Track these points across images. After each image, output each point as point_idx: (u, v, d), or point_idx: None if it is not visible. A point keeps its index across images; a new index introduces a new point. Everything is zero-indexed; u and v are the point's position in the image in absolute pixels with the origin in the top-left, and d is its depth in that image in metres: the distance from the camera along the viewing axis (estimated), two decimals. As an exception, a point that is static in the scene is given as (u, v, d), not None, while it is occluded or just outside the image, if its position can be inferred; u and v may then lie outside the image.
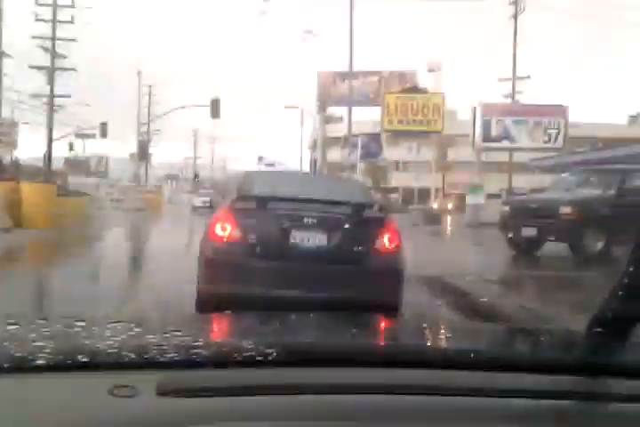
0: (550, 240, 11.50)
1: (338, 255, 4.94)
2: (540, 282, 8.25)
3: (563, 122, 27.86)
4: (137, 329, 1.22)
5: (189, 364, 1.00)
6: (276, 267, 4.84)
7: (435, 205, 28.04)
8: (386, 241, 5.04)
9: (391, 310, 4.56)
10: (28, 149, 48.20)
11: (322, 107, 41.36)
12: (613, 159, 19.68)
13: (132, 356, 1.00)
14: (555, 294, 7.07)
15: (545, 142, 27.57)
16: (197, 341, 1.10)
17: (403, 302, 5.02)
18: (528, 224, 11.26)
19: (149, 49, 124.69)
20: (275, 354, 1.01)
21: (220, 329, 1.56)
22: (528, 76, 31.59)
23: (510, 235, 11.73)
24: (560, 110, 28.27)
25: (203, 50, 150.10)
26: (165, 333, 1.13)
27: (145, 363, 1.00)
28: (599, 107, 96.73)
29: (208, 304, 4.66)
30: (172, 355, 1.01)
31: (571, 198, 11.27)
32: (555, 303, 6.27)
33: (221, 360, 1.02)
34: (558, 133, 27.64)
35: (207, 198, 35.01)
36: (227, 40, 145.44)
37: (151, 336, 1.11)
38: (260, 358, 1.01)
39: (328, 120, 41.98)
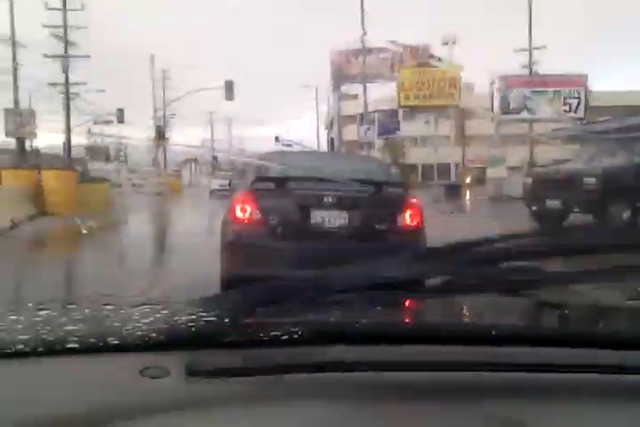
0: (575, 212, 11.36)
1: (359, 234, 4.91)
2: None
3: (582, 91, 27.31)
4: (164, 311, 1.21)
5: (218, 344, 1.00)
6: (297, 247, 4.83)
7: (454, 180, 27.70)
8: (407, 218, 5.01)
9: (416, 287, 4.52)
10: (48, 137, 48.62)
11: (336, 85, 40.94)
12: (637, 127, 19.27)
13: (162, 337, 1.00)
14: (583, 267, 7.02)
15: (565, 112, 27.07)
16: (225, 321, 1.10)
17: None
18: (552, 196, 11.13)
19: (163, 33, 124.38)
20: (302, 333, 1.01)
21: None
22: (544, 46, 30.95)
23: (534, 207, 11.60)
24: (579, 79, 27.69)
25: (216, 33, 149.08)
26: (192, 314, 1.12)
27: (174, 344, 1.00)
28: (619, 74, 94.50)
29: (231, 286, 4.67)
30: (200, 335, 1.01)
31: (595, 169, 11.08)
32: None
33: (250, 339, 1.01)
34: (579, 103, 27.12)
35: (225, 181, 30.94)
36: (239, 22, 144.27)
37: (179, 318, 1.10)
38: (286, 337, 1.00)
39: (343, 98, 41.58)
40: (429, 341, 1.02)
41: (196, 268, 6.66)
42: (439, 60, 32.21)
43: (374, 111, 31.27)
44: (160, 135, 34.43)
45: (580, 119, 26.98)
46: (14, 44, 28.98)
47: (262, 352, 1.00)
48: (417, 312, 1.48)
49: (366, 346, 1.02)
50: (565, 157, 14.39)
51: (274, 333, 1.01)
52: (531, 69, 30.09)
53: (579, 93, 27.27)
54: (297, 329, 1.01)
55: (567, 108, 27.16)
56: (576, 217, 11.46)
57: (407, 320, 1.34)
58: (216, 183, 33.50)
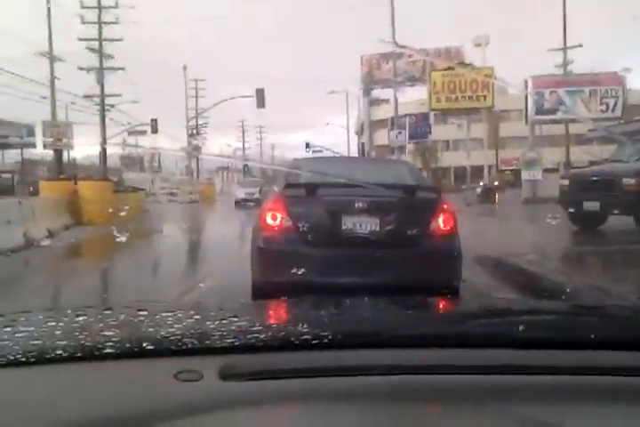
0: (614, 214, 11.03)
1: (391, 239, 4.83)
2: (606, 258, 7.92)
3: (620, 89, 26.61)
4: (197, 316, 1.27)
5: (250, 348, 1.03)
6: (328, 254, 4.79)
7: (486, 183, 27.24)
8: (440, 222, 4.92)
9: (450, 292, 4.40)
10: (84, 148, 49.64)
11: (366, 90, 40.92)
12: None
13: (195, 342, 1.03)
14: (624, 271, 6.80)
15: (602, 112, 26.42)
16: (255, 326, 1.13)
17: (461, 284, 4.89)
18: (590, 198, 10.82)
19: (193, 44, 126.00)
20: (331, 337, 1.03)
21: (277, 314, 1.60)
22: (580, 45, 30.37)
23: (571, 210, 11.30)
24: (616, 78, 26.98)
25: (246, 41, 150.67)
26: (224, 319, 1.16)
27: (207, 348, 1.03)
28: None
29: (263, 293, 4.66)
30: (232, 340, 1.04)
31: (634, 169, 10.75)
32: (624, 280, 6.03)
33: (280, 344, 1.04)
34: (616, 102, 26.43)
35: (254, 189, 26.90)
36: (267, 31, 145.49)
37: (211, 323, 1.14)
38: (316, 342, 1.02)
39: (373, 103, 41.52)
40: (447, 345, 1.04)
41: (228, 274, 6.71)
42: (470, 65, 31.89)
43: (405, 115, 31.01)
44: (192, 144, 34.84)
45: (618, 118, 26.31)
46: (52, 57, 29.71)
47: (293, 356, 1.03)
48: (434, 317, 1.50)
49: (389, 349, 1.03)
50: (602, 158, 14.02)
51: (304, 337, 1.03)
52: (565, 69, 29.52)
53: (616, 92, 26.59)
54: (326, 334, 1.03)
55: (604, 107, 26.49)
56: (615, 219, 11.14)
57: (430, 325, 1.33)
58: (242, 192, 29.84)
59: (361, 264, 4.72)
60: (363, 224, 4.84)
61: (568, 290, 5.70)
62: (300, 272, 4.34)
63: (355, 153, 43.41)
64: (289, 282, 4.41)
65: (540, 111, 26.58)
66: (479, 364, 1.01)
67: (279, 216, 4.89)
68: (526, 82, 27.16)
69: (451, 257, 4.87)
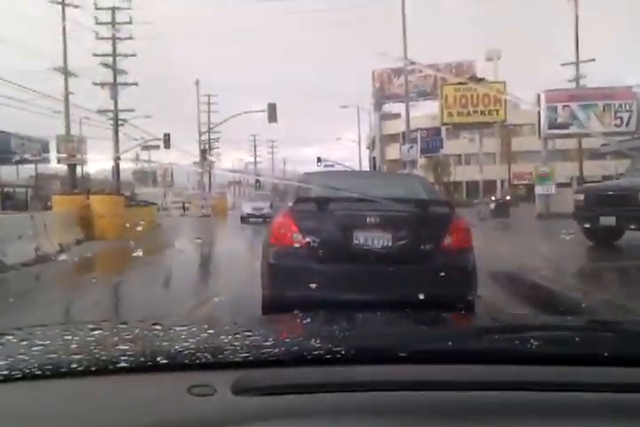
0: (631, 229, 10.87)
1: (404, 255, 4.75)
2: (623, 273, 7.78)
3: (634, 103, 26.44)
4: (210, 331, 1.28)
5: (263, 363, 1.03)
6: (340, 270, 4.70)
7: (499, 198, 27.04)
8: (454, 237, 4.82)
9: (465, 308, 4.34)
10: (97, 162, 50.06)
11: (378, 104, 41.03)
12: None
13: (208, 356, 1.04)
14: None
15: (616, 126, 26.24)
16: (268, 341, 1.13)
17: (476, 300, 4.79)
18: (606, 213, 10.66)
19: (206, 58, 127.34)
20: (344, 352, 1.03)
21: (289, 329, 1.60)
22: (593, 59, 30.28)
23: (587, 225, 11.14)
24: (630, 92, 26.81)
25: (256, 56, 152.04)
26: (237, 333, 1.17)
27: (220, 363, 1.03)
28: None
29: (273, 308, 4.59)
30: (245, 355, 1.04)
31: (650, 183, 10.61)
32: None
33: (293, 359, 1.04)
34: (630, 116, 26.25)
35: (263, 203, 24.16)
36: (279, 46, 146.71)
37: (224, 337, 1.15)
38: (329, 357, 1.02)
39: (385, 117, 41.58)
40: (451, 361, 1.04)
41: (240, 289, 6.64)
42: (482, 79, 31.88)
43: (417, 129, 31.01)
44: (205, 159, 34.96)
45: (632, 133, 26.10)
46: (67, 73, 30.10)
47: (303, 371, 1.02)
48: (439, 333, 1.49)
49: (402, 365, 1.02)
50: (616, 173, 13.83)
51: (316, 352, 1.02)
52: (577, 83, 29.42)
53: (630, 106, 26.41)
54: (338, 349, 1.03)
55: (618, 121, 26.31)
56: (632, 234, 10.97)
57: (436, 341, 1.31)
58: (249, 207, 27.12)
59: (373, 280, 4.63)
60: (375, 239, 4.76)
61: (583, 305, 5.65)
62: (310, 288, 4.25)
63: (366, 168, 43.43)
64: (299, 298, 4.32)
65: (552, 125, 26.45)
66: (493, 380, 1.00)
67: (290, 231, 4.81)
68: (539, 96, 27.09)
69: (465, 272, 4.78)
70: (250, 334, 1.18)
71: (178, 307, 5.88)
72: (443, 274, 4.60)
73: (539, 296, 6.46)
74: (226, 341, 1.12)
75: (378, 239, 4.76)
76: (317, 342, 1.08)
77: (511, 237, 13.13)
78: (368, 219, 4.74)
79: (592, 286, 7.27)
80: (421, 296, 4.20)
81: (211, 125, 41.23)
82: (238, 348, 1.06)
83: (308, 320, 1.68)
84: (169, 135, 34.89)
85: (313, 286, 4.31)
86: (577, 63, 29.63)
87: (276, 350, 1.05)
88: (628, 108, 26.33)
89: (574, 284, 7.34)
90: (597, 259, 10.24)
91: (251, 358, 1.03)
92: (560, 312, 5.54)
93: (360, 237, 4.76)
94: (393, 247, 4.74)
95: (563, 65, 30.89)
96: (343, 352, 1.02)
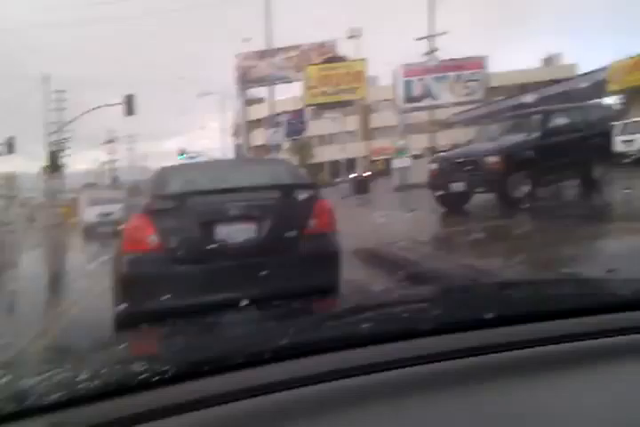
0: (479, 192, 11.28)
1: (269, 246, 4.51)
2: (473, 237, 7.98)
3: (482, 73, 27.78)
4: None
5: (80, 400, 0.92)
6: (199, 270, 4.35)
7: (358, 174, 27.37)
8: (317, 221, 4.68)
9: (330, 292, 4.26)
10: None
11: (242, 89, 40.31)
12: (530, 104, 19.72)
13: (16, 405, 0.93)
14: (491, 247, 6.93)
15: (466, 95, 27.48)
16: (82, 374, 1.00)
17: (341, 282, 4.66)
18: (456, 179, 10.98)
19: (56, 53, 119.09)
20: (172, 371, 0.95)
21: (137, 348, 1.44)
22: (445, 32, 31.21)
23: (440, 192, 11.41)
24: (479, 62, 28.13)
25: (111, 48, 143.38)
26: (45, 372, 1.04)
27: (34, 409, 0.91)
28: (512, 54, 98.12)
29: (128, 324, 4.02)
30: (58, 395, 0.92)
31: (493, 147, 11.04)
32: (492, 256, 6.16)
33: (135, 383, 0.94)
34: (479, 85, 27.57)
35: (111, 207, 19.15)
36: (133, 35, 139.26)
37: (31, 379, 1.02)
38: (158, 378, 0.94)
39: (249, 102, 40.96)
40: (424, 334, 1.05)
41: (92, 308, 5.96)
42: (342, 59, 32.15)
43: (281, 113, 30.76)
44: (53, 163, 32.33)
45: (479, 101, 27.48)
46: None
47: (135, 398, 0.92)
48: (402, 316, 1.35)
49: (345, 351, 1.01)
50: (467, 140, 14.36)
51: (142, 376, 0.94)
52: (432, 57, 30.32)
53: (479, 76, 27.71)
54: (167, 368, 0.95)
55: (468, 91, 27.55)
56: (479, 197, 11.40)
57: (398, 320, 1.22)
58: (94, 213, 21.20)
59: (238, 277, 4.32)
60: (237, 233, 4.49)
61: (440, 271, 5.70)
62: (170, 297, 3.81)
63: (231, 156, 42.57)
64: (158, 308, 3.88)
65: (408, 99, 27.23)
66: (480, 345, 1.02)
67: (144, 234, 4.36)
68: (394, 71, 27.75)
69: (328, 256, 4.66)
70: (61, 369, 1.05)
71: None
72: (306, 260, 4.49)
73: (399, 268, 6.45)
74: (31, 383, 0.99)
75: (241, 232, 4.50)
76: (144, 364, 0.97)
77: (370, 212, 13.25)
78: (230, 211, 4.48)
79: (443, 252, 7.68)
80: (288, 286, 3.91)
81: (61, 124, 38.10)
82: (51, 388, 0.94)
83: (154, 336, 1.55)
84: (14, 139, 31.71)
85: (174, 293, 3.89)
86: (429, 37, 30.44)
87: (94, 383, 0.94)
88: (477, 77, 27.64)
89: (428, 252, 7.51)
90: (448, 224, 10.54)
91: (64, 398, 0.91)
92: (418, 281, 5.53)
93: (222, 232, 4.45)
94: (257, 239, 4.51)
95: (417, 39, 31.64)
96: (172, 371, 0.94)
